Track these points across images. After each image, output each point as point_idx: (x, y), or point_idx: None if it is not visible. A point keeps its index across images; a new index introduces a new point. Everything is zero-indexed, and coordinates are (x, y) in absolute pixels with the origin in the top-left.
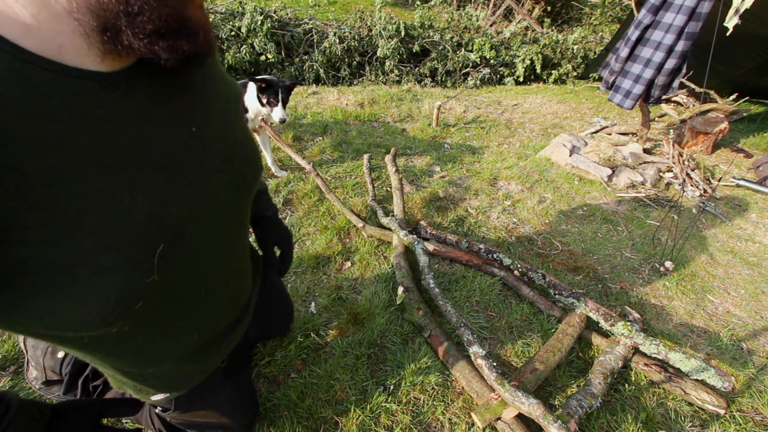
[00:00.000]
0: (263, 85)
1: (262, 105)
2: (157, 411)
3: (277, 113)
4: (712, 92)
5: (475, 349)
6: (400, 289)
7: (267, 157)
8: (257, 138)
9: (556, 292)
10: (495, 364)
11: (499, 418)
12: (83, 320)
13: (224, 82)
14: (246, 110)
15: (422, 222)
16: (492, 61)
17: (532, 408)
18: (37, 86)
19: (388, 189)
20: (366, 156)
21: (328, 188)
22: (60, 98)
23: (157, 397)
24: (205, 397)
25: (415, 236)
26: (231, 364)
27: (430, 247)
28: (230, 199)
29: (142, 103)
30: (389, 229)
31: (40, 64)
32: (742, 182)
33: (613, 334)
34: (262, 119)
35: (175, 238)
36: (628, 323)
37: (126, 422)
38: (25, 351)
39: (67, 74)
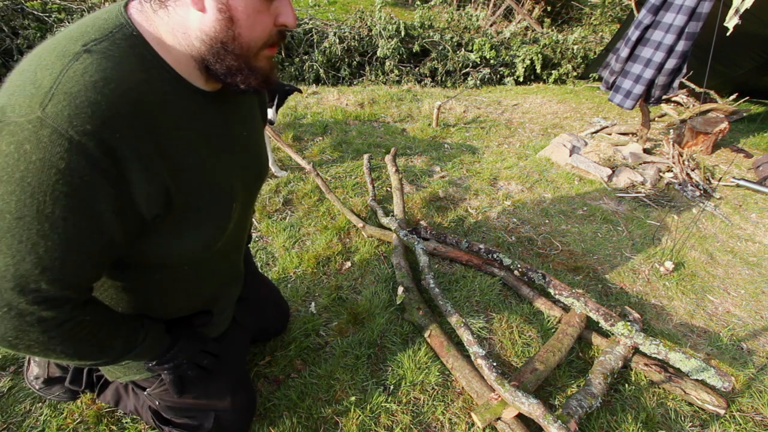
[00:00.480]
0: None
1: None
2: (147, 392)
3: (268, 114)
4: (712, 92)
5: (475, 349)
6: (400, 289)
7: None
8: None
9: (556, 292)
10: (495, 364)
11: (499, 418)
12: (200, 244)
13: (262, 108)
14: None
15: (422, 222)
16: (492, 61)
17: (532, 408)
18: (182, 96)
19: (388, 189)
20: (366, 156)
21: (328, 188)
22: (190, 103)
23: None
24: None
25: (415, 236)
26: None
27: (430, 246)
28: (252, 185)
29: (226, 111)
30: (389, 229)
31: (184, 84)
32: (742, 182)
33: (613, 334)
34: None
35: (236, 202)
36: (628, 323)
37: (126, 421)
38: None
39: (194, 90)
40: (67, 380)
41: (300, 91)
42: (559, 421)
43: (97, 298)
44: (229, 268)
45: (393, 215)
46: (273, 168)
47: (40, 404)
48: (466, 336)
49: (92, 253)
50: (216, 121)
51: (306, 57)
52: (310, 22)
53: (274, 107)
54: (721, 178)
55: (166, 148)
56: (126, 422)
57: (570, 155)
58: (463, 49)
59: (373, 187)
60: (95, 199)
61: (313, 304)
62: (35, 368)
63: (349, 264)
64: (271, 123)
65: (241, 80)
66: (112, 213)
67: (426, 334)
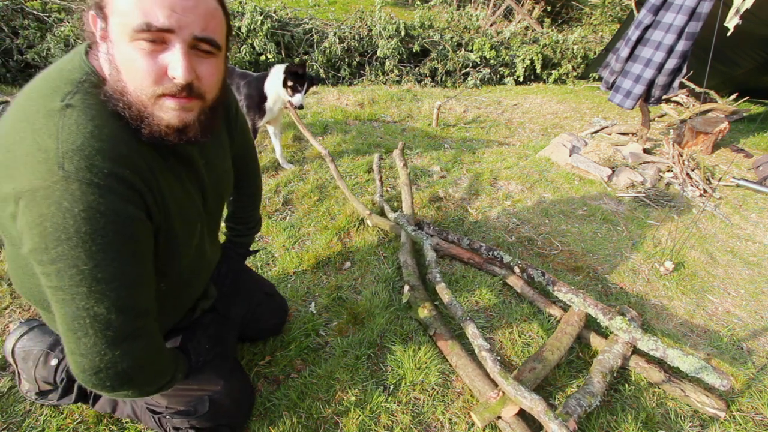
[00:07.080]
0: (299, 72)
1: (285, 87)
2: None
3: (298, 99)
4: (712, 92)
5: (479, 342)
6: (406, 288)
7: (276, 149)
8: (270, 129)
9: (555, 289)
10: (498, 358)
11: (499, 417)
12: (180, 262)
13: (229, 129)
14: (264, 98)
15: (425, 219)
16: (492, 61)
17: (534, 403)
18: (142, 149)
19: (389, 189)
20: (376, 155)
21: (339, 175)
22: (147, 155)
23: None
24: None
25: (423, 232)
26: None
27: (433, 242)
28: (215, 205)
29: (180, 144)
30: (396, 223)
31: (137, 140)
32: (742, 182)
33: (611, 331)
34: (288, 102)
35: (200, 224)
36: (627, 319)
37: (125, 421)
38: (14, 364)
39: (144, 142)
40: (57, 396)
41: (323, 83)
42: (560, 418)
43: None
44: (198, 285)
45: (401, 211)
46: (281, 160)
47: (40, 404)
48: (470, 329)
49: (150, 266)
50: (174, 154)
51: (306, 57)
52: (310, 22)
53: (303, 92)
54: (721, 178)
55: (156, 181)
56: (126, 422)
57: (570, 155)
58: (463, 49)
59: (381, 183)
60: (138, 225)
61: (313, 304)
62: (26, 383)
63: (349, 264)
64: (300, 107)
65: (147, 128)
66: (150, 233)
67: (431, 332)
